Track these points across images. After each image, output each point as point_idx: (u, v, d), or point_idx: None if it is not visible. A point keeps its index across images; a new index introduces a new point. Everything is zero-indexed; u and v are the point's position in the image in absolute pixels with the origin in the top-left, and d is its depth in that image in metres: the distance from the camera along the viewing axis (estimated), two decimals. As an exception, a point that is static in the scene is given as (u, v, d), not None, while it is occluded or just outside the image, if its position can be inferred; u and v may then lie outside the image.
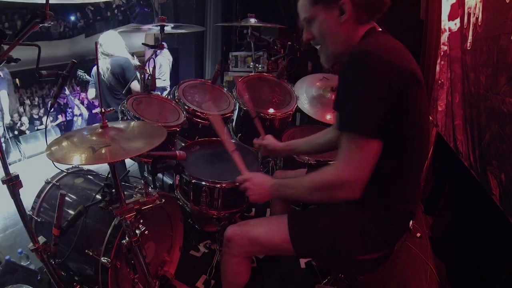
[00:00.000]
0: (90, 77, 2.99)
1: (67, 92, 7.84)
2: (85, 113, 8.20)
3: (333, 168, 0.93)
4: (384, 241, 1.11)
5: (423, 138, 1.03)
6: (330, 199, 0.96)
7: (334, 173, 0.93)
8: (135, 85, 2.57)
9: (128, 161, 2.67)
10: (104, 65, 2.64)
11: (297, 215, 1.19)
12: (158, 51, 4.36)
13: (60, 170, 1.57)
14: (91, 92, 2.94)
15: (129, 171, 1.65)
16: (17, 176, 1.02)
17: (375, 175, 0.94)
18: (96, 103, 6.56)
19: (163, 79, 4.16)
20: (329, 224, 1.10)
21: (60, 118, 8.15)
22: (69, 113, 8.38)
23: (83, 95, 9.53)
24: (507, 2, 1.18)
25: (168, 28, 2.31)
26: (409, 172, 1.02)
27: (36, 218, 1.50)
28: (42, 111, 8.50)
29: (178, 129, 1.83)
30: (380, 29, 1.02)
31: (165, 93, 3.84)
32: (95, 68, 2.85)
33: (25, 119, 7.67)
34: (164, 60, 4.19)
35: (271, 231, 1.15)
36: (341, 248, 1.10)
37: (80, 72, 3.08)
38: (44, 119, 8.08)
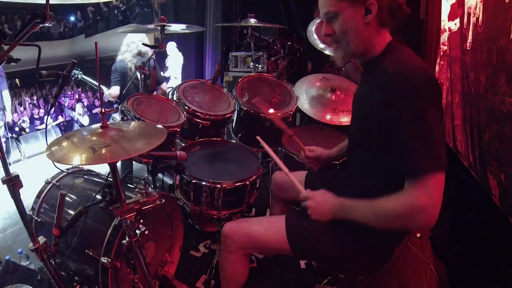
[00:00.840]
0: (112, 74, 2.93)
1: (66, 103, 7.78)
2: (85, 123, 7.95)
3: (408, 198, 0.89)
4: (382, 245, 1.11)
5: None
6: (406, 227, 0.94)
7: (411, 202, 0.88)
8: (165, 85, 2.70)
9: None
10: (132, 63, 2.69)
11: (295, 216, 1.19)
12: (170, 51, 4.31)
13: (60, 170, 1.57)
14: (115, 89, 2.78)
15: (129, 171, 1.65)
16: (17, 176, 1.02)
17: (376, 182, 0.95)
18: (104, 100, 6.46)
19: (174, 76, 4.24)
20: (327, 226, 1.09)
21: (60, 118, 8.15)
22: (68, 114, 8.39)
23: (83, 95, 9.54)
24: (507, 2, 1.18)
25: (177, 28, 2.33)
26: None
27: (36, 218, 1.50)
28: (42, 111, 8.51)
29: (178, 129, 1.84)
30: (397, 41, 1.03)
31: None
32: (115, 65, 2.84)
33: (26, 118, 7.69)
34: (176, 62, 4.26)
35: (269, 230, 1.15)
36: (338, 250, 1.11)
37: (76, 71, 2.77)
38: (44, 119, 8.08)
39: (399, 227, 0.93)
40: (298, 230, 1.13)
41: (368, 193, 0.96)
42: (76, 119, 8.03)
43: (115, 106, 2.75)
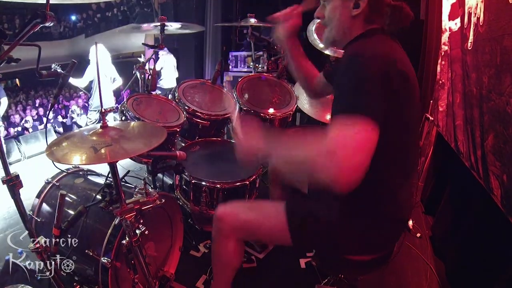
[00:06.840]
0: None
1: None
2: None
3: (324, 141, 0.77)
4: (377, 244, 1.10)
5: (414, 145, 1.06)
6: (310, 171, 0.79)
7: (325, 145, 0.76)
8: None
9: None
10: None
11: (295, 199, 1.17)
12: (161, 54, 4.50)
13: (60, 170, 1.57)
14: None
15: (129, 171, 1.64)
16: (17, 176, 1.02)
17: (368, 182, 0.91)
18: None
19: (168, 82, 4.31)
20: (325, 220, 1.06)
21: (60, 118, 8.14)
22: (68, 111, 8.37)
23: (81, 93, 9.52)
24: (510, 2, 1.18)
25: (172, 28, 2.32)
26: (401, 179, 1.02)
27: (36, 218, 1.50)
28: (42, 111, 8.52)
29: (178, 129, 1.83)
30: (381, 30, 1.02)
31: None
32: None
33: (29, 118, 7.69)
34: (167, 64, 4.33)
35: (267, 214, 1.11)
36: (334, 245, 1.09)
37: (54, 65, 2.72)
38: (44, 119, 8.07)
39: (304, 170, 0.84)
40: (298, 211, 1.08)
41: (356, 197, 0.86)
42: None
43: (115, 106, 2.80)
